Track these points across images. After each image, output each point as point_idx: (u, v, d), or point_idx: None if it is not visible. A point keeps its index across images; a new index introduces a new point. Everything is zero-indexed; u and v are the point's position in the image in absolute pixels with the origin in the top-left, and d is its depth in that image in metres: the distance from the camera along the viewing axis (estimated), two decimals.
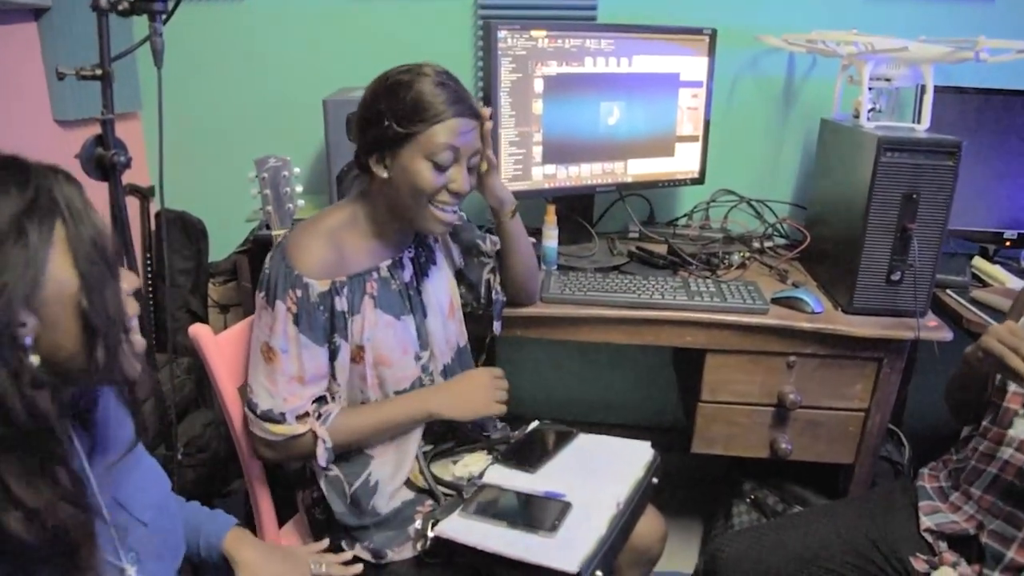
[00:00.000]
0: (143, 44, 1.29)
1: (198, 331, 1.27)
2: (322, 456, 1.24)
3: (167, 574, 0.92)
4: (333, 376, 1.27)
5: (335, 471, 1.29)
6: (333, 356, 1.25)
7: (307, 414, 1.24)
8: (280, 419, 1.22)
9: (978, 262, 1.83)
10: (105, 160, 1.28)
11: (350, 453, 1.30)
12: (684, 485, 2.15)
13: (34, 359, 0.69)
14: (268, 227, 1.56)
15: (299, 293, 1.19)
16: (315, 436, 1.24)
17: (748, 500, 1.86)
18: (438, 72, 1.21)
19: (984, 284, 1.79)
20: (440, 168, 1.21)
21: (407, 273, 1.34)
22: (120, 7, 1.17)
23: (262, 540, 1.27)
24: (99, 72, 1.21)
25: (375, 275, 1.28)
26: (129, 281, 0.79)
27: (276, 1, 2.12)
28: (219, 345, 1.30)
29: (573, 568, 1.03)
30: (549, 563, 1.04)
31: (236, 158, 1.78)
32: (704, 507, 2.13)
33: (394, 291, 1.31)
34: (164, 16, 1.23)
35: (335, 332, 1.24)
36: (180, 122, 2.06)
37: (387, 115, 1.18)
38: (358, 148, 1.28)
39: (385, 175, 1.22)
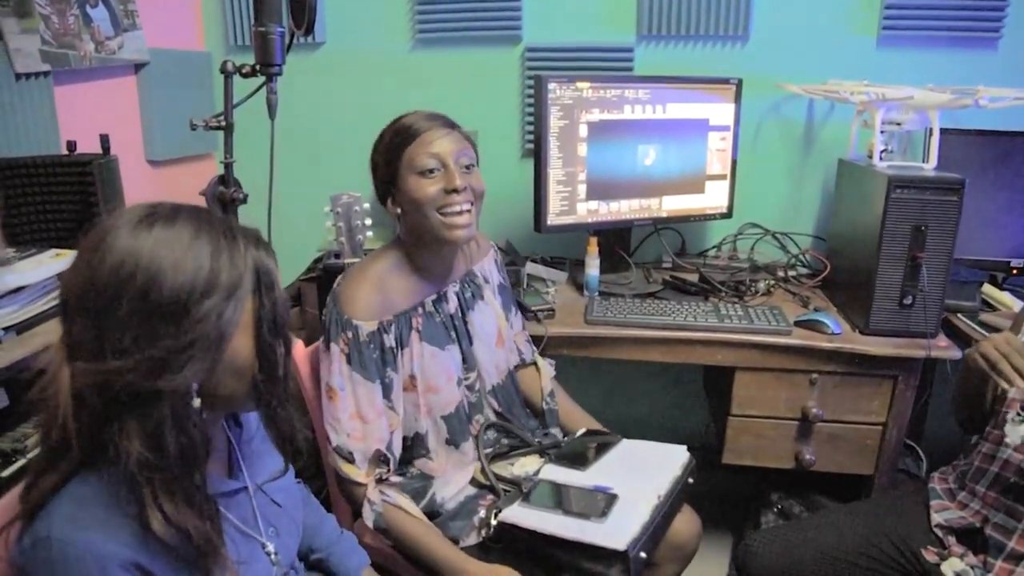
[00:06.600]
0: (250, 98, 1.51)
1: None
2: (368, 517, 1.31)
3: (294, 548, 1.07)
4: (393, 409, 1.36)
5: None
6: (387, 391, 1.36)
7: (379, 464, 1.32)
8: (350, 458, 1.31)
9: (988, 289, 1.96)
10: (226, 196, 1.50)
11: (414, 480, 1.43)
12: (714, 501, 2.25)
13: (196, 402, 0.79)
14: (337, 256, 1.76)
15: (350, 335, 1.31)
16: (367, 498, 1.31)
17: (776, 509, 1.99)
18: (414, 112, 1.36)
19: (993, 309, 1.91)
20: (430, 176, 1.32)
21: (451, 306, 1.48)
22: (243, 70, 1.39)
23: None
24: (223, 123, 1.43)
25: (420, 311, 1.41)
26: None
27: (348, 52, 2.33)
28: (306, 359, 1.47)
29: (621, 546, 1.19)
30: (601, 542, 1.20)
31: (309, 194, 1.96)
32: (734, 522, 2.24)
33: (438, 323, 1.44)
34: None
35: (386, 367, 1.35)
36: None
37: (380, 160, 1.37)
38: (380, 202, 1.42)
39: (399, 210, 1.37)
